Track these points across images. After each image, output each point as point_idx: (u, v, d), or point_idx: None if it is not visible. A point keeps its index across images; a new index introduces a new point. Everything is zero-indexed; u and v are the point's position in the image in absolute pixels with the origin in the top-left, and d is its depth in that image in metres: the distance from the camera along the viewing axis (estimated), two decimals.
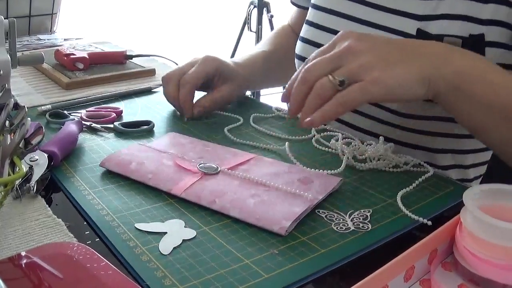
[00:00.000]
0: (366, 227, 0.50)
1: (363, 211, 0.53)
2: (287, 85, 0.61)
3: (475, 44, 0.65)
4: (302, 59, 0.83)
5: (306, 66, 0.57)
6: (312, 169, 0.60)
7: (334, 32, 0.78)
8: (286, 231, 0.48)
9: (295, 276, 0.43)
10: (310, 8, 0.85)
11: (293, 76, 0.60)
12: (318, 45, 0.80)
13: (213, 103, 0.78)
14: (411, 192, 0.57)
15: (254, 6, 2.60)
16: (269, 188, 0.55)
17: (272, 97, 2.88)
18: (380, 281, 0.38)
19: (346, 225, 0.50)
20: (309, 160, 0.64)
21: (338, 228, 0.50)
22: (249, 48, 0.97)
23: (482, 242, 0.41)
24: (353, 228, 0.50)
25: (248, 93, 0.91)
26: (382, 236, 0.49)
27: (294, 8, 0.98)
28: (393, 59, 0.55)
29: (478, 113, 0.57)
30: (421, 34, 0.68)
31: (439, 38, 0.66)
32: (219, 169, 0.58)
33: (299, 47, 0.85)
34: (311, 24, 0.83)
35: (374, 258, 0.47)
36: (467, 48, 0.65)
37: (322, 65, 0.56)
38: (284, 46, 0.95)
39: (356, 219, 0.51)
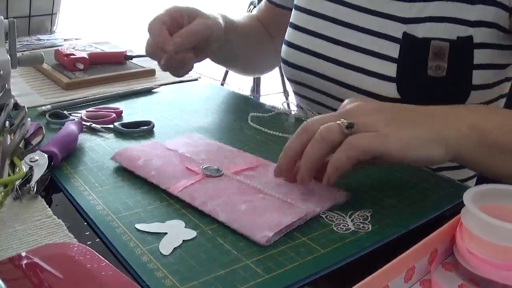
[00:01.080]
0: (366, 228, 0.50)
1: (363, 212, 0.53)
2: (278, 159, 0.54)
3: (464, 46, 0.65)
4: (289, 64, 0.81)
5: (307, 120, 0.54)
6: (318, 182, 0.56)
7: (319, 35, 0.76)
8: (268, 241, 0.46)
9: (295, 276, 0.43)
10: (293, 10, 0.83)
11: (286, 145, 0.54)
12: (303, 49, 0.78)
13: (187, 33, 0.70)
14: (411, 193, 0.57)
15: (254, 6, 2.60)
16: (266, 195, 0.54)
17: (271, 97, 2.89)
18: (380, 282, 0.38)
19: (346, 225, 0.50)
20: None
21: (338, 228, 0.50)
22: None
23: (482, 242, 0.41)
24: (353, 229, 0.50)
25: (247, 92, 0.91)
26: (382, 237, 0.49)
27: (265, 2, 0.94)
28: (403, 119, 0.53)
29: (503, 162, 0.56)
30: (407, 38, 0.67)
31: (426, 41, 0.65)
32: (222, 172, 0.58)
33: (284, 51, 0.83)
34: (295, 27, 0.81)
35: (374, 259, 0.47)
36: (456, 50, 0.64)
37: (327, 118, 0.52)
38: (253, 28, 0.91)
39: (356, 220, 0.51)
